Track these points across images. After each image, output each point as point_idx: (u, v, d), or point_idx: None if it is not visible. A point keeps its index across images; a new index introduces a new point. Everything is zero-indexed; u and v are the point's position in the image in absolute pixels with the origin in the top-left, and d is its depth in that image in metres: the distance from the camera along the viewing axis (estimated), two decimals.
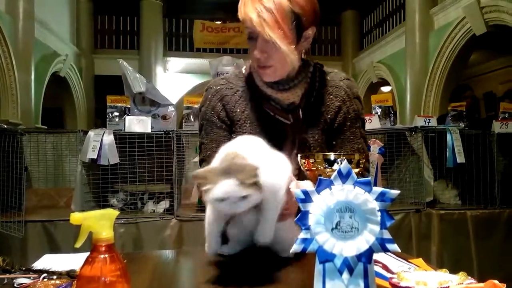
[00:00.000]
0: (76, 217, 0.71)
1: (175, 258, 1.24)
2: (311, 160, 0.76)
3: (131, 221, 2.55)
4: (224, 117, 1.20)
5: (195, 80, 10.41)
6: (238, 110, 1.20)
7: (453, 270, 0.82)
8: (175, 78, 10.36)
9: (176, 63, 10.41)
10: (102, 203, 2.74)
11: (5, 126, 2.60)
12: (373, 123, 3.24)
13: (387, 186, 3.16)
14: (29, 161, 2.99)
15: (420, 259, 1.10)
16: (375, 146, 3.11)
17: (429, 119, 3.41)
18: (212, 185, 0.82)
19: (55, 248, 2.36)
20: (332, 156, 0.74)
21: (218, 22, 11.04)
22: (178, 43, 10.62)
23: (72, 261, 1.02)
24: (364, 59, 10.20)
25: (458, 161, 3.05)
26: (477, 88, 9.73)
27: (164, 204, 2.79)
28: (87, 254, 0.71)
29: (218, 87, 1.24)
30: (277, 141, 1.10)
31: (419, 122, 3.35)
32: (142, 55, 9.97)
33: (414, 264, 1.04)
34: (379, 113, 3.34)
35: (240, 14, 1.08)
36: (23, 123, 5.92)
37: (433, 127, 3.18)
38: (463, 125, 3.40)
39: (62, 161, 3.11)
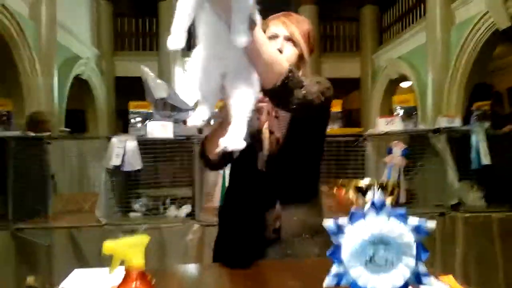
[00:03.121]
0: (108, 246, 0.72)
1: (200, 274, 1.25)
2: (343, 189, 0.76)
3: (154, 227, 2.59)
4: None
5: None
6: None
7: (478, 274, 0.80)
8: None
9: None
10: (126, 208, 2.79)
11: (32, 134, 2.66)
12: (395, 124, 3.19)
13: (410, 188, 3.12)
14: (54, 166, 3.05)
15: (451, 276, 1.08)
16: (397, 148, 3.07)
17: (453, 119, 3.35)
18: None
19: (80, 255, 2.41)
20: (364, 185, 0.73)
21: None
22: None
23: (102, 278, 1.04)
24: (383, 55, 10.05)
25: (483, 162, 2.99)
26: (500, 82, 9.47)
27: (186, 209, 2.82)
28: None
29: None
30: None
31: (442, 122, 3.29)
32: (161, 56, 10.04)
33: (444, 282, 1.02)
34: (401, 114, 3.29)
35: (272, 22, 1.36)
36: None
37: (457, 128, 3.12)
38: (488, 125, 3.33)
39: (87, 166, 3.17)
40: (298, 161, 1.35)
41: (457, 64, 6.67)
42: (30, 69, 5.90)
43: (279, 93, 1.07)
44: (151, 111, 3.12)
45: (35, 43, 6.09)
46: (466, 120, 3.94)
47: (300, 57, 1.36)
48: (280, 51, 1.31)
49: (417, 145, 3.22)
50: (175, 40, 0.90)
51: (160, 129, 2.95)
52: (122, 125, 9.43)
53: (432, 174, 3.14)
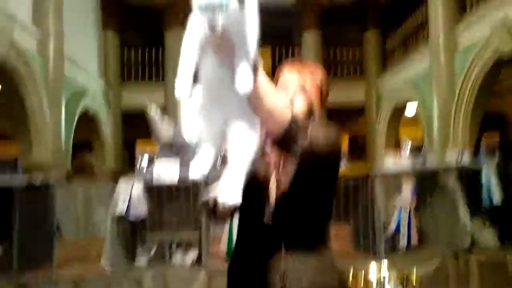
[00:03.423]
0: None
1: None
2: (359, 281, 0.72)
3: (159, 275, 2.54)
4: None
5: None
6: None
7: None
8: None
9: None
10: (131, 254, 2.75)
11: (38, 184, 2.66)
12: (404, 162, 3.16)
13: (421, 228, 3.05)
14: (60, 211, 3.03)
15: None
16: (407, 187, 3.02)
17: (462, 152, 3.31)
18: None
19: None
20: (381, 278, 0.70)
21: None
22: None
23: None
24: (388, 80, 10.05)
25: (495, 201, 2.94)
26: (506, 103, 9.39)
27: (193, 255, 2.77)
28: None
29: None
30: None
31: (452, 156, 3.25)
32: (167, 85, 10.12)
33: None
34: (409, 151, 3.26)
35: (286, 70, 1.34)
36: (53, 163, 6.05)
37: (467, 166, 3.08)
38: (498, 159, 3.29)
39: (92, 210, 3.15)
40: (305, 213, 1.30)
41: (463, 90, 6.60)
42: (38, 105, 5.94)
43: (282, 141, 1.06)
44: (158, 153, 3.12)
45: (43, 78, 6.16)
46: (475, 150, 3.89)
47: (311, 108, 1.34)
48: (291, 101, 1.30)
49: (427, 182, 3.17)
50: (182, 88, 0.91)
51: (167, 172, 2.94)
52: (128, 156, 9.44)
53: (443, 212, 3.08)
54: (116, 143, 9.58)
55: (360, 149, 10.43)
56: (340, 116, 10.85)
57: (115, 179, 2.92)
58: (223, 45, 0.92)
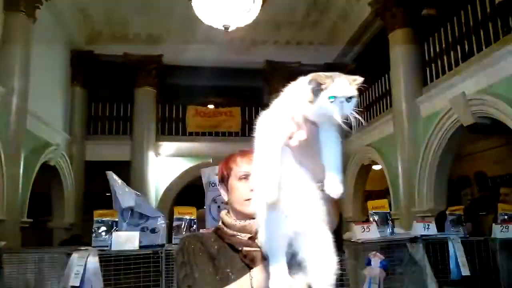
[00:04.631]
0: None
1: None
2: None
3: None
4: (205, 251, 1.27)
5: (186, 164, 10.36)
6: (212, 249, 1.28)
7: None
8: (167, 162, 10.32)
9: (168, 147, 10.43)
10: None
11: None
12: (371, 232, 3.12)
13: None
14: (9, 281, 2.79)
15: None
16: (376, 259, 2.96)
17: (428, 225, 3.32)
18: (327, 83, 0.89)
19: None
20: None
21: (211, 107, 11.25)
22: (171, 127, 10.68)
23: None
24: (354, 141, 10.28)
25: (463, 273, 2.92)
26: (468, 167, 9.73)
27: None
28: None
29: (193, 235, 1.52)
30: None
31: (418, 228, 3.26)
32: (134, 140, 9.99)
33: None
34: (377, 221, 3.24)
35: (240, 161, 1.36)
36: (7, 218, 5.73)
37: (434, 236, 3.08)
38: (463, 230, 3.33)
39: (44, 280, 2.91)
40: None
41: (425, 155, 6.81)
42: None
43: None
44: (117, 220, 2.97)
45: (2, 133, 5.94)
46: (441, 217, 3.93)
47: None
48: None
49: (395, 252, 3.14)
50: (271, 194, 0.91)
51: (126, 240, 2.78)
52: (90, 206, 9.08)
53: (412, 282, 3.03)
54: (77, 195, 9.21)
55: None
56: None
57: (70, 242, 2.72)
58: (308, 146, 0.95)
